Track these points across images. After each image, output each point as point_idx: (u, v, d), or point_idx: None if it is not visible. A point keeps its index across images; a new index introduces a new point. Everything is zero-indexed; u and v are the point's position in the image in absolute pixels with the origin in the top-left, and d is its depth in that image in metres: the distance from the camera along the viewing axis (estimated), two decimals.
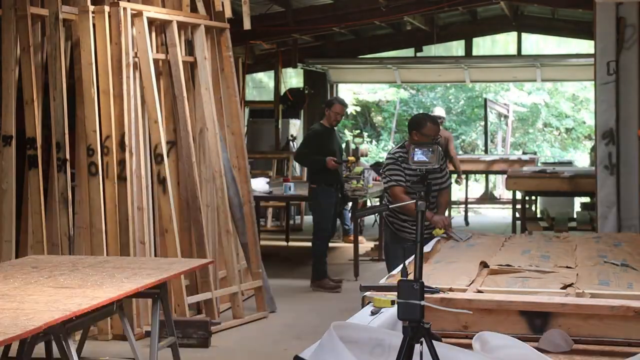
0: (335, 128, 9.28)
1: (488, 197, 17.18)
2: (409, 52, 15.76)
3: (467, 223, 14.72)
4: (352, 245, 10.01)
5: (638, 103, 8.17)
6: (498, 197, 17.82)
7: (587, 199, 12.25)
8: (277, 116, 14.86)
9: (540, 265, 4.88)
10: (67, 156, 6.92)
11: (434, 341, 3.20)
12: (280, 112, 14.93)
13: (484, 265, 4.84)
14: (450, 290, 4.19)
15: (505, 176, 10.68)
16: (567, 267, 4.84)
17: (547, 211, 12.06)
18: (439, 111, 13.83)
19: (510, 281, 4.42)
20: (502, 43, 16.30)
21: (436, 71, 16.27)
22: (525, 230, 10.77)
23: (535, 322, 3.89)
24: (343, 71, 16.59)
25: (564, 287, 4.22)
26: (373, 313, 3.93)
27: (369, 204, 10.61)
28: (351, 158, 11.28)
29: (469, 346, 3.71)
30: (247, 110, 15.09)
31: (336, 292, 8.80)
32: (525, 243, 5.91)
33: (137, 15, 7.24)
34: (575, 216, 11.77)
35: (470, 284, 4.36)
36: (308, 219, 14.88)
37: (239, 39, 10.66)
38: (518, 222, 11.37)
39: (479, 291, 4.19)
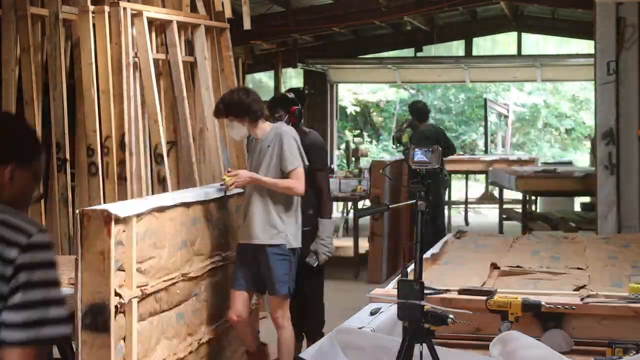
0: None
1: (488, 197, 17.17)
2: (409, 52, 15.76)
3: (467, 223, 14.72)
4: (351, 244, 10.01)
5: (638, 103, 8.17)
6: (498, 197, 17.79)
7: (587, 199, 12.23)
8: None
9: (550, 266, 4.88)
10: (67, 156, 6.92)
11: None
12: None
13: (494, 266, 4.83)
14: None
15: (515, 177, 10.49)
16: (578, 268, 4.83)
17: (552, 212, 12.01)
18: None
19: (522, 283, 4.42)
20: (502, 43, 16.29)
21: (436, 71, 16.27)
22: (527, 231, 10.75)
23: (548, 323, 3.88)
24: (343, 71, 16.59)
25: (577, 289, 4.21)
26: (372, 313, 3.93)
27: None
28: (352, 158, 11.30)
29: (481, 348, 3.71)
30: None
31: None
32: (533, 244, 5.91)
33: (137, 15, 7.24)
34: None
35: (482, 285, 4.36)
36: None
37: (239, 39, 10.65)
38: (507, 222, 11.32)
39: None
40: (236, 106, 5.29)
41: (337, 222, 13.53)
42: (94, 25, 7.04)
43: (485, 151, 18.13)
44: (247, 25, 8.90)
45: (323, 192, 5.92)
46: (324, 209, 5.90)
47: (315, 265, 5.79)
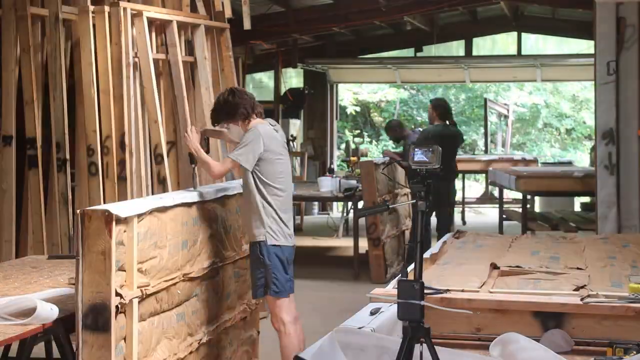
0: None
1: (488, 197, 17.17)
2: (409, 52, 15.77)
3: (464, 222, 14.73)
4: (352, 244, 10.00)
5: (638, 103, 8.17)
6: (498, 197, 17.80)
7: (587, 199, 12.23)
8: (277, 116, 14.86)
9: (550, 266, 4.88)
10: (67, 156, 6.92)
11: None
12: (280, 112, 14.93)
13: (494, 266, 4.83)
14: (463, 292, 4.18)
15: (515, 177, 10.45)
16: (577, 268, 4.83)
17: (552, 212, 12.00)
18: None
19: (521, 283, 4.42)
20: (502, 43, 16.29)
21: (436, 71, 16.27)
22: (527, 231, 10.73)
23: (548, 323, 3.89)
24: (343, 71, 16.59)
25: (577, 289, 4.22)
26: (372, 313, 3.93)
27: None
28: (353, 158, 11.30)
29: (481, 348, 3.72)
30: None
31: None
32: (533, 244, 5.91)
33: (137, 15, 7.24)
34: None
35: (482, 285, 4.36)
36: (308, 219, 14.90)
37: (239, 39, 10.65)
38: (507, 222, 11.29)
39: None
40: (223, 110, 5.20)
41: (337, 222, 13.53)
42: (94, 25, 7.04)
43: (485, 151, 18.14)
44: (247, 25, 8.91)
45: None
46: None
47: None
